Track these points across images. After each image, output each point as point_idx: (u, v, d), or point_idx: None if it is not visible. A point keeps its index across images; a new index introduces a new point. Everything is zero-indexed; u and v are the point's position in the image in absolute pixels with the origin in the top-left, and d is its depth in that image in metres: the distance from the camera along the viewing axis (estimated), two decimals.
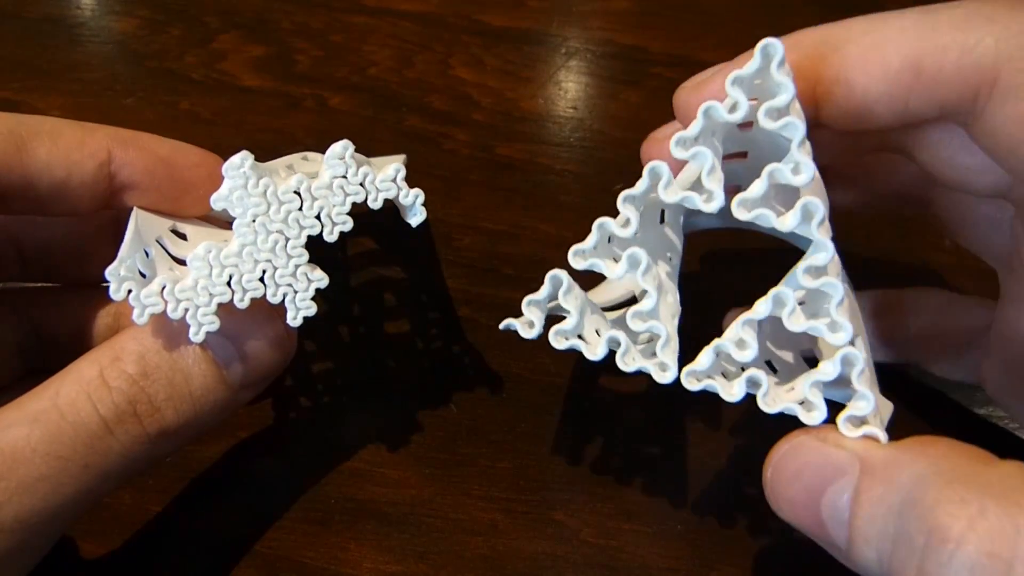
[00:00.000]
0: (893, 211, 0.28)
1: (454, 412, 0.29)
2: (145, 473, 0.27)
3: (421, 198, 0.22)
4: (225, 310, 0.21)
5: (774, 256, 0.27)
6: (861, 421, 0.19)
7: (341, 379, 0.30)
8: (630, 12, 0.42)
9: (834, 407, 0.20)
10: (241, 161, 0.21)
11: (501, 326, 0.22)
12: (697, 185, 0.20)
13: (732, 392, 0.20)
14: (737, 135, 0.21)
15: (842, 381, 0.19)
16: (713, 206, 0.20)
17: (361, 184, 0.22)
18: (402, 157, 0.22)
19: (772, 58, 0.19)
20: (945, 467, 0.17)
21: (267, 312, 0.22)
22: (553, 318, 0.22)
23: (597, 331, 0.22)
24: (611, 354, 0.21)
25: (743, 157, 0.23)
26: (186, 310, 0.21)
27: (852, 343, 0.19)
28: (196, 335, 0.21)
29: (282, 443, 0.29)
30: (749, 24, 0.41)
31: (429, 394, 0.30)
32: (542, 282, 0.21)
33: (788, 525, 0.19)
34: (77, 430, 0.20)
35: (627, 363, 0.21)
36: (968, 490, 0.16)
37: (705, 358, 0.20)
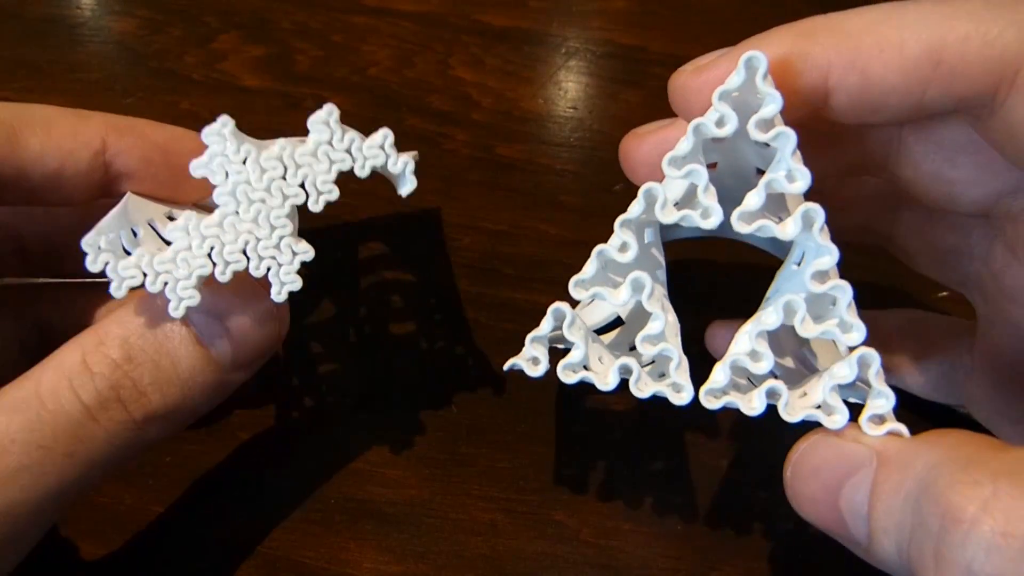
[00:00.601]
0: (852, 241, 0.28)
1: (454, 412, 0.29)
2: (146, 472, 0.27)
3: (411, 165, 0.21)
4: (210, 287, 0.21)
5: (735, 255, 0.27)
6: (882, 419, 0.19)
7: (341, 380, 0.30)
8: (630, 12, 0.42)
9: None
10: (221, 126, 0.20)
11: (505, 367, 0.22)
12: (690, 202, 0.20)
13: (753, 406, 0.20)
14: (708, 147, 0.21)
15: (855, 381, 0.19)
16: (712, 222, 0.20)
17: (347, 151, 0.21)
18: (413, 153, 0.21)
19: (756, 70, 0.19)
20: (959, 453, 0.17)
21: (254, 288, 0.21)
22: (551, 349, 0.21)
23: (600, 359, 0.22)
24: (622, 381, 0.21)
25: (712, 168, 0.23)
26: (165, 283, 0.20)
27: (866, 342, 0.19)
28: (176, 310, 0.20)
29: (282, 443, 0.29)
30: (750, 24, 0.41)
31: (429, 394, 0.30)
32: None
33: (788, 525, 0.19)
34: (58, 418, 0.20)
35: (640, 389, 0.20)
36: (981, 473, 0.16)
37: (721, 375, 0.20)
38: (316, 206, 0.21)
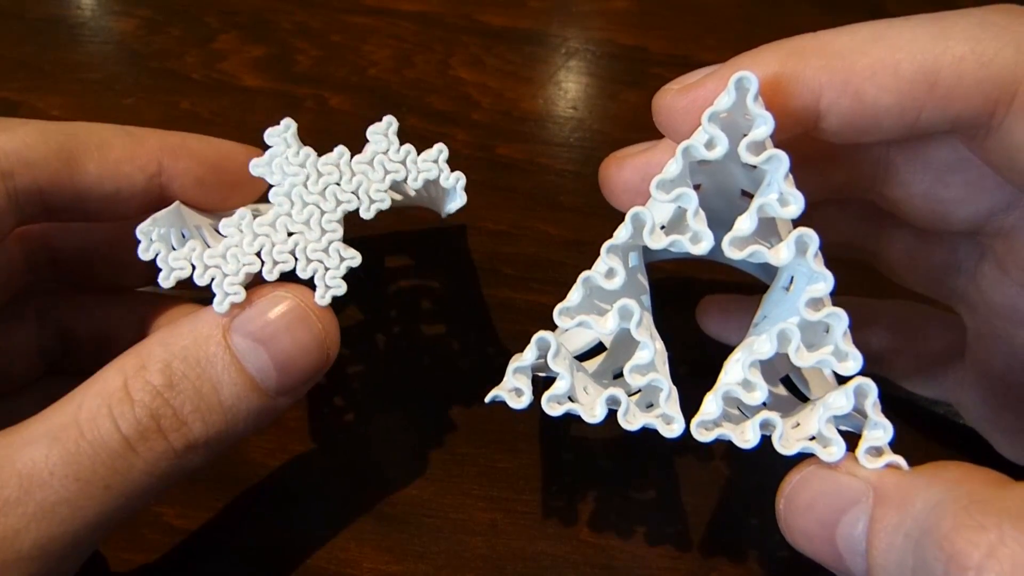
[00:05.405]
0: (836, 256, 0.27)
1: (454, 412, 0.29)
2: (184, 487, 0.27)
3: (463, 181, 0.22)
4: (261, 318, 0.21)
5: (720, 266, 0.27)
6: (880, 451, 0.18)
7: (339, 380, 0.30)
8: (630, 12, 0.42)
9: None
10: (284, 127, 0.21)
11: (487, 399, 0.21)
12: (678, 226, 0.20)
13: (747, 438, 0.19)
14: (693, 168, 0.20)
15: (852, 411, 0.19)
16: (703, 247, 0.19)
17: (402, 162, 0.21)
18: (457, 173, 0.21)
19: (747, 90, 0.19)
20: (961, 492, 0.16)
21: (301, 314, 0.21)
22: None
23: (585, 389, 0.21)
24: (610, 413, 0.20)
25: (697, 189, 0.22)
26: (212, 278, 0.21)
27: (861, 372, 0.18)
28: (220, 305, 0.20)
29: (281, 444, 0.29)
30: (749, 24, 0.41)
31: (429, 393, 0.30)
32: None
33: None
34: (96, 449, 0.19)
35: (630, 422, 0.20)
36: (986, 515, 0.15)
37: (713, 406, 0.19)
38: (367, 213, 0.21)
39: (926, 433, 0.28)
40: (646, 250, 0.21)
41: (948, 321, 0.26)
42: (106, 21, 0.40)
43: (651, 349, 0.20)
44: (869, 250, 0.26)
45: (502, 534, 0.27)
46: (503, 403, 0.21)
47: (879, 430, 0.18)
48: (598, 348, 0.26)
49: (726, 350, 0.22)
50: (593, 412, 0.20)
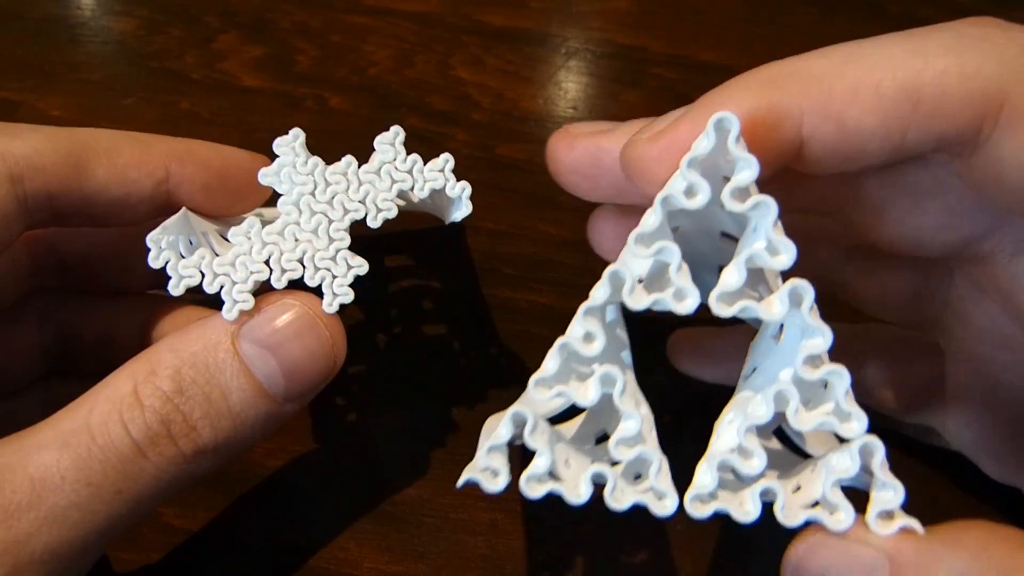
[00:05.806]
0: None
1: (454, 411, 0.29)
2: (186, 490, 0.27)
3: (468, 191, 0.22)
4: (271, 326, 0.21)
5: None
6: (891, 515, 0.17)
7: (339, 380, 0.30)
8: (630, 12, 0.42)
9: None
10: (293, 137, 0.21)
11: (459, 484, 0.18)
12: (659, 280, 0.18)
13: (746, 510, 0.17)
14: (673, 213, 0.19)
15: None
16: (688, 305, 0.17)
17: (409, 172, 0.22)
18: (463, 183, 0.21)
19: (728, 132, 0.17)
20: (988, 562, 0.15)
21: (310, 322, 0.21)
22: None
23: (567, 462, 0.19)
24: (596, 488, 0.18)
25: (675, 231, 0.21)
26: (222, 286, 0.21)
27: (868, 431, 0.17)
28: (229, 312, 0.21)
29: (281, 444, 0.29)
30: (749, 24, 0.41)
31: (429, 393, 0.30)
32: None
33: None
34: (108, 454, 0.19)
35: (618, 500, 0.18)
36: None
37: (707, 477, 0.18)
38: (374, 222, 0.21)
39: (915, 460, 0.27)
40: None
41: (929, 346, 0.25)
42: (106, 21, 0.40)
43: (636, 418, 0.18)
44: (835, 280, 0.25)
45: (502, 534, 0.27)
46: (476, 486, 0.19)
47: (889, 491, 0.17)
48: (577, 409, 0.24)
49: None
50: (577, 491, 0.18)
